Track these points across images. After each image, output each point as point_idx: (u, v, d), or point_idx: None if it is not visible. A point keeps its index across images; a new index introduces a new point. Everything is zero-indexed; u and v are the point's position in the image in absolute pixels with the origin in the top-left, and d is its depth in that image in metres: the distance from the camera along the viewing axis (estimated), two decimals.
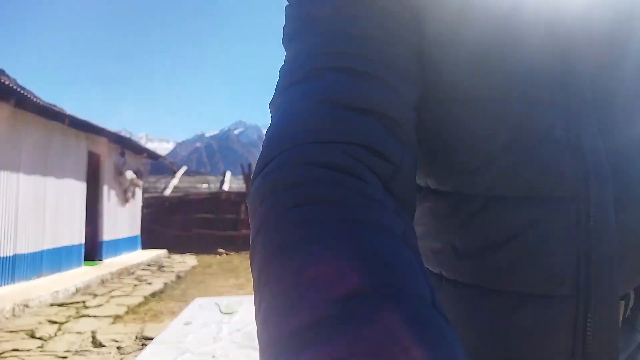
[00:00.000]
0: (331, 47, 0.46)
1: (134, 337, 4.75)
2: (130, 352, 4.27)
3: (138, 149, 11.25)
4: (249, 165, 15.81)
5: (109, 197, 10.14)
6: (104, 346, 4.46)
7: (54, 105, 7.01)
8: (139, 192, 11.97)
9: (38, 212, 7.23)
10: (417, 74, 0.49)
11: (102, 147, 9.59)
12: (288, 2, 0.52)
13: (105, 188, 9.90)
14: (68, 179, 8.19)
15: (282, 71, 0.48)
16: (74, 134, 8.27)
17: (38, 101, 6.45)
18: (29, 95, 6.19)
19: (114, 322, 5.44)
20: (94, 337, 4.74)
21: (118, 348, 4.39)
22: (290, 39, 0.50)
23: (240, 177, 17.01)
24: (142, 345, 4.50)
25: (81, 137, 8.59)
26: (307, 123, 0.41)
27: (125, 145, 10.39)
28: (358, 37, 0.46)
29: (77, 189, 8.60)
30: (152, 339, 4.69)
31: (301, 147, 0.39)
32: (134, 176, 10.87)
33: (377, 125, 0.42)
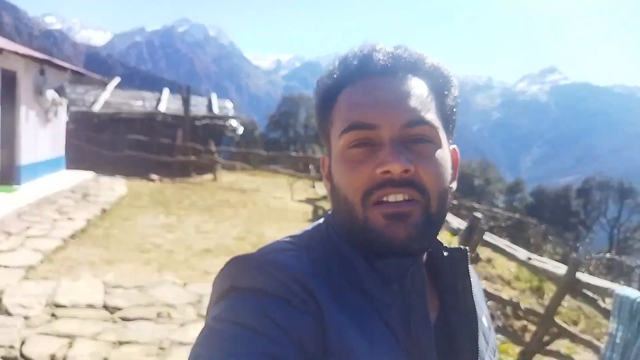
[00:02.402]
0: None
1: (44, 303, 4.51)
2: (38, 325, 4.05)
3: (60, 66, 10.21)
4: (188, 88, 14.97)
5: (28, 118, 9.30)
6: (10, 314, 4.20)
7: None
8: (63, 110, 11.07)
9: None
10: None
11: (18, 64, 8.62)
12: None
13: (23, 109, 9.03)
14: None
15: None
16: None
17: None
18: None
19: (25, 277, 5.14)
20: (0, 300, 4.45)
21: (25, 318, 4.15)
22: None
23: (179, 96, 16.09)
24: (52, 315, 4.29)
25: None
26: None
27: (45, 62, 9.38)
28: None
29: None
30: (64, 306, 4.49)
31: None
32: (56, 95, 9.97)
33: None
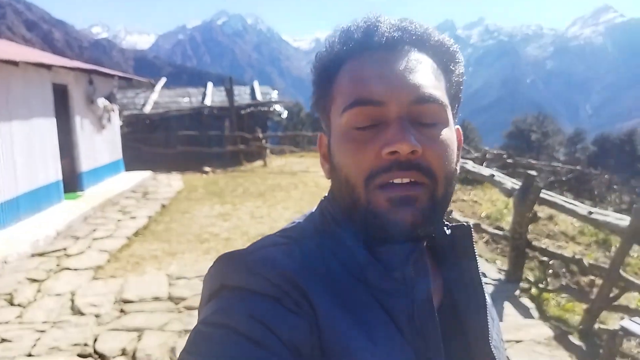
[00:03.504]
0: None
1: (112, 300, 4.77)
2: (109, 322, 4.30)
3: (107, 74, 10.63)
4: (230, 79, 15.18)
5: (83, 127, 9.75)
6: (82, 314, 4.48)
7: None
8: (115, 115, 11.53)
9: (7, 159, 6.95)
10: None
11: (68, 77, 9.02)
12: None
13: (77, 119, 9.48)
14: (35, 118, 7.79)
15: None
16: (33, 69, 7.71)
17: None
18: None
19: (94, 277, 5.45)
20: (72, 302, 4.75)
21: (96, 316, 4.42)
22: None
23: (222, 88, 16.38)
24: (121, 311, 4.54)
25: (43, 71, 8.03)
26: None
27: (92, 72, 9.77)
28: None
29: (47, 125, 8.22)
30: (131, 301, 4.74)
31: None
32: (107, 102, 10.39)
33: None
